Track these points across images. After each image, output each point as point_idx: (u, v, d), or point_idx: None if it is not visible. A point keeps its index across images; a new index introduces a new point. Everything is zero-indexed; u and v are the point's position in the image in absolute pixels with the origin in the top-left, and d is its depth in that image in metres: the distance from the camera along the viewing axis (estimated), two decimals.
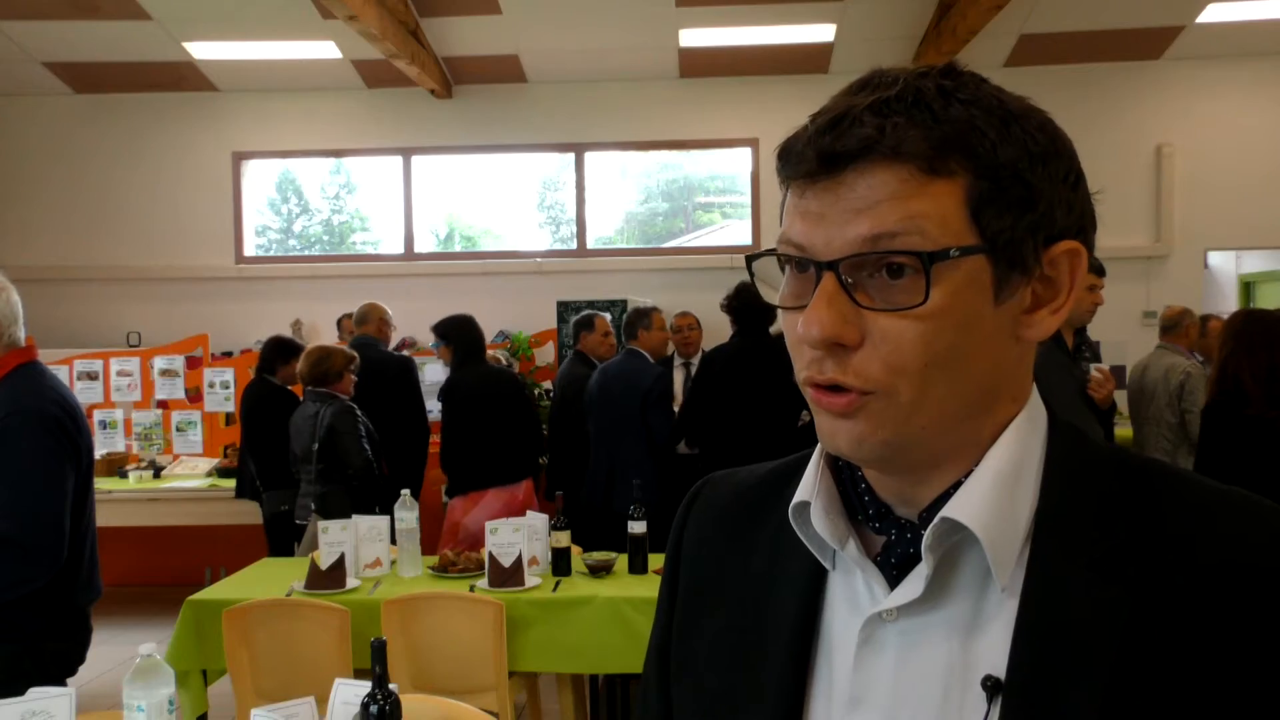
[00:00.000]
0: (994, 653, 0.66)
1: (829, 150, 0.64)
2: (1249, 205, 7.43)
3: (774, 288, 0.71)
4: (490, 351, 5.43)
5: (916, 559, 0.69)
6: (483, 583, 3.42)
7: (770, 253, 0.70)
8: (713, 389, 4.71)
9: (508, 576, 3.39)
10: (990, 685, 0.64)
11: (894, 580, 0.70)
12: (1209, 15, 6.86)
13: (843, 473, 0.75)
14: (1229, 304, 8.23)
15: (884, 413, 0.65)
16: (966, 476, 0.68)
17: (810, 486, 0.73)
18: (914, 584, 0.68)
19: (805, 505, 0.73)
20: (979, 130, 0.64)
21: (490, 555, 3.43)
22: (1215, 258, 8.18)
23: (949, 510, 0.66)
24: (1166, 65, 7.47)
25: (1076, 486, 0.68)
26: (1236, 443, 3.44)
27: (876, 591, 0.71)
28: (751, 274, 0.72)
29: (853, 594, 0.73)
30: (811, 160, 0.65)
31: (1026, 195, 0.65)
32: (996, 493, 0.67)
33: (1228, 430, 3.47)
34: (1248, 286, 8.34)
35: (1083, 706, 0.62)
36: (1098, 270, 3.98)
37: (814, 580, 0.75)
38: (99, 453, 6.09)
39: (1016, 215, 0.65)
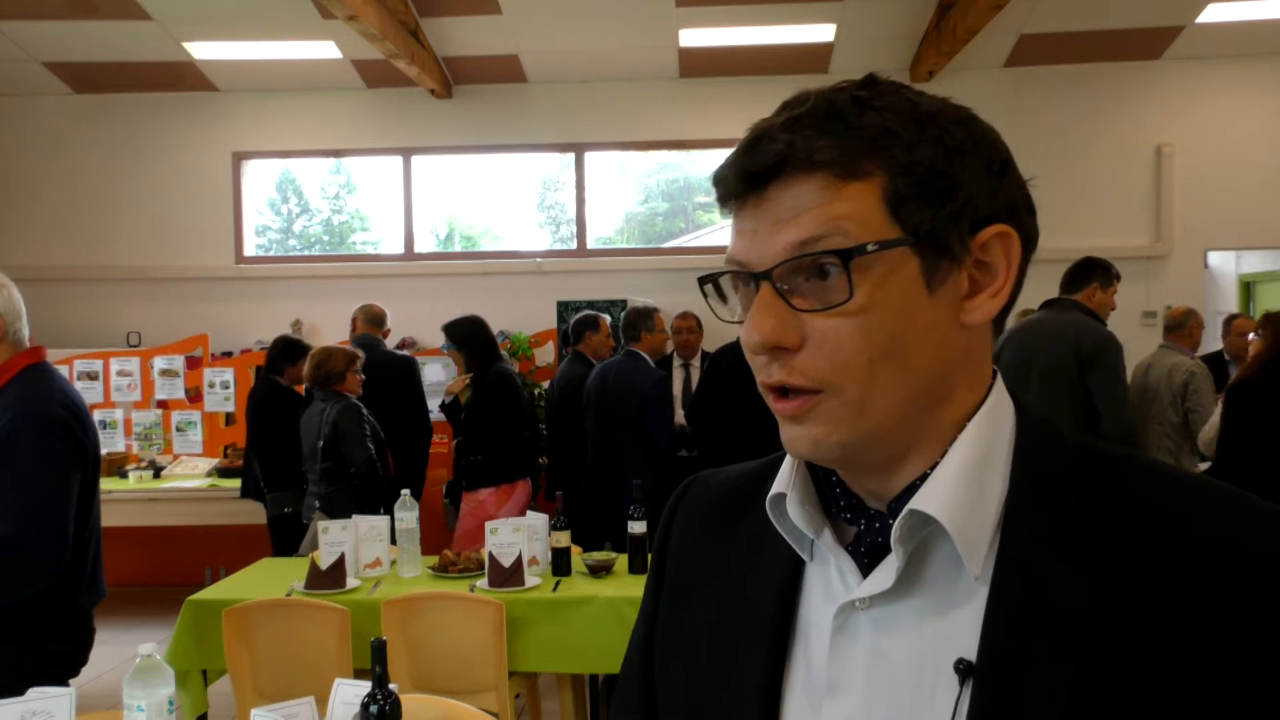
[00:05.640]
0: (965, 637, 0.67)
1: (747, 170, 0.69)
2: (1249, 205, 7.43)
3: (725, 307, 0.75)
4: None
5: (886, 547, 0.70)
6: (483, 583, 3.42)
7: (719, 274, 0.74)
8: (720, 387, 4.72)
9: (508, 576, 3.39)
10: (962, 669, 0.66)
11: (866, 569, 0.72)
12: (1209, 15, 6.85)
13: (816, 466, 0.76)
14: (1229, 304, 8.23)
15: (835, 413, 0.68)
16: (933, 468, 0.70)
17: (786, 479, 0.75)
18: (885, 574, 0.70)
19: (782, 497, 0.75)
20: (892, 133, 0.67)
21: (490, 555, 3.43)
22: (1215, 258, 8.17)
23: (917, 503, 0.68)
24: (1166, 65, 7.47)
25: (1045, 476, 0.70)
26: (1269, 422, 3.58)
27: (850, 580, 0.73)
28: (705, 294, 0.76)
29: (828, 583, 0.75)
30: (734, 182, 0.70)
31: (946, 187, 0.67)
32: (964, 484, 0.68)
33: (1261, 410, 3.61)
34: (1248, 286, 8.34)
35: (1052, 688, 0.63)
36: (1115, 276, 4.14)
37: (792, 571, 0.77)
38: None
39: (936, 206, 0.67)
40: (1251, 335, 4.16)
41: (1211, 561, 0.64)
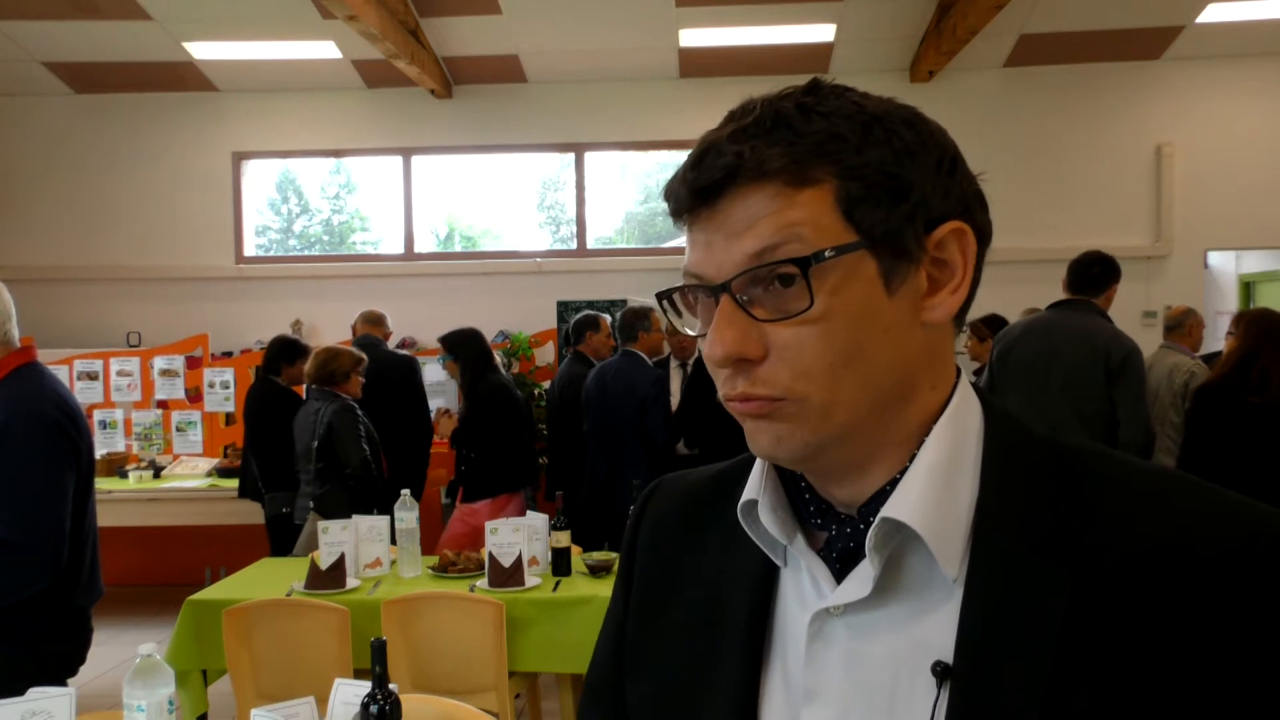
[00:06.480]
0: (942, 639, 0.67)
1: (698, 184, 0.69)
2: (1249, 205, 7.43)
3: (685, 320, 0.75)
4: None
5: (858, 552, 0.70)
6: (483, 583, 3.42)
7: (676, 289, 0.74)
8: (707, 389, 4.72)
9: (508, 576, 3.39)
10: (939, 671, 0.66)
11: (838, 574, 0.72)
12: (1209, 15, 6.85)
13: (785, 471, 0.76)
14: (1229, 304, 8.23)
15: (799, 415, 0.68)
16: (902, 473, 0.70)
17: (757, 485, 0.75)
18: (861, 583, 0.69)
19: (753, 504, 0.75)
20: (840, 137, 0.67)
21: (490, 555, 3.43)
22: (1215, 258, 8.17)
23: (889, 510, 0.68)
24: (1166, 65, 7.47)
25: (1015, 474, 0.70)
26: (1233, 424, 3.59)
27: (823, 586, 0.73)
28: (664, 309, 0.75)
29: (802, 589, 0.75)
30: (686, 196, 0.70)
31: (897, 188, 0.67)
32: (934, 487, 0.68)
33: (1226, 412, 3.62)
34: (1248, 286, 8.34)
35: (1029, 687, 0.63)
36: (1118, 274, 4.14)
37: (765, 577, 0.77)
38: (99, 453, 6.09)
39: (890, 207, 0.67)
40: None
41: (1182, 554, 0.64)
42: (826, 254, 0.65)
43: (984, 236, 0.72)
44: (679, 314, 0.75)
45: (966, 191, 0.71)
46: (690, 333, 0.73)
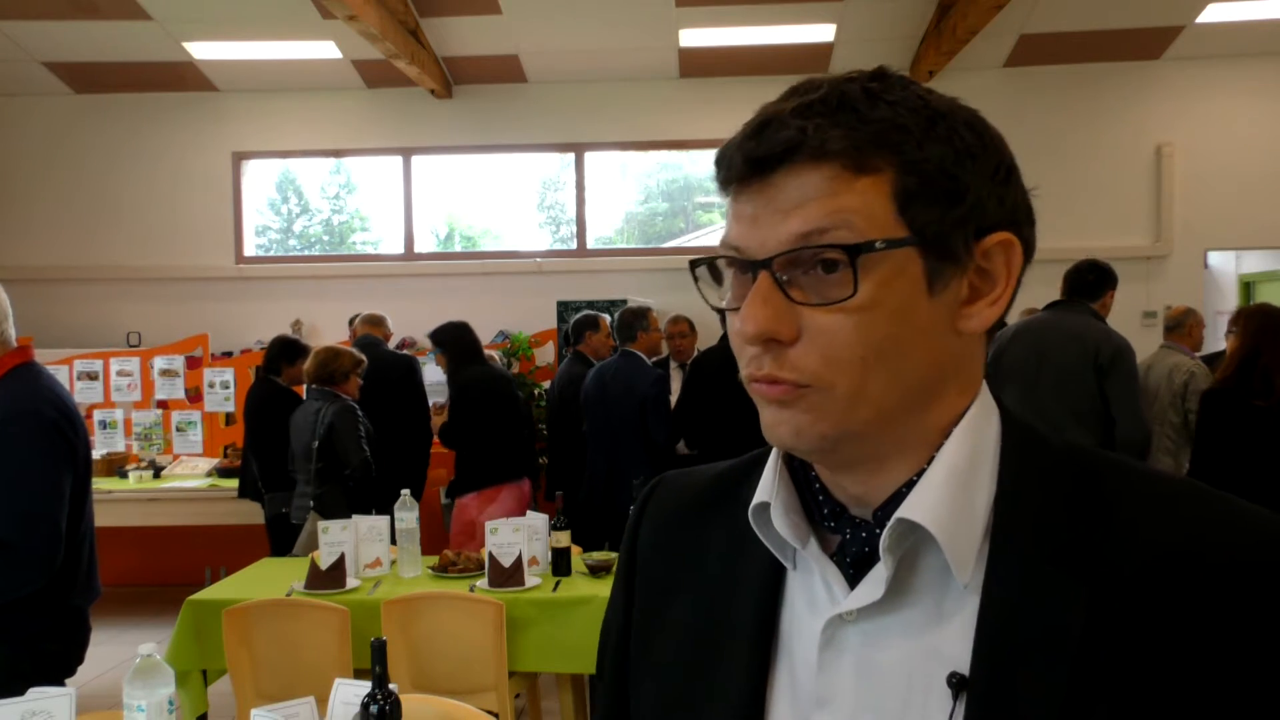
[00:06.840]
0: (957, 649, 0.66)
1: (755, 154, 0.66)
2: (1249, 205, 7.43)
3: (717, 292, 0.73)
4: (487, 351, 5.45)
5: (872, 557, 0.69)
6: (483, 583, 3.42)
7: (713, 258, 0.72)
8: (705, 391, 4.73)
9: (508, 576, 3.39)
10: (955, 683, 0.65)
11: (852, 579, 0.71)
12: (1209, 15, 6.86)
13: (798, 473, 0.75)
14: (1229, 304, 8.23)
15: (822, 405, 0.66)
16: (919, 475, 0.69)
17: (769, 487, 0.74)
18: (874, 586, 0.68)
19: (765, 506, 0.73)
20: (904, 128, 0.65)
21: (490, 555, 3.43)
22: (1215, 258, 8.17)
23: (904, 511, 0.67)
24: (1166, 65, 7.47)
25: (1032, 481, 0.69)
26: (1240, 430, 3.56)
27: (835, 591, 0.71)
28: (695, 279, 0.74)
29: (812, 594, 0.74)
30: (740, 165, 0.67)
31: (954, 189, 0.66)
32: (951, 490, 0.67)
33: (1232, 417, 3.61)
34: (1248, 286, 8.34)
35: (1047, 700, 0.62)
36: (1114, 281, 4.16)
37: (773, 580, 0.76)
38: (99, 453, 6.08)
39: (944, 208, 0.66)
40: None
41: (1199, 566, 0.63)
42: (877, 245, 0.64)
43: (1029, 251, 0.71)
44: (716, 283, 0.73)
45: (1018, 203, 0.70)
46: (721, 305, 0.72)
